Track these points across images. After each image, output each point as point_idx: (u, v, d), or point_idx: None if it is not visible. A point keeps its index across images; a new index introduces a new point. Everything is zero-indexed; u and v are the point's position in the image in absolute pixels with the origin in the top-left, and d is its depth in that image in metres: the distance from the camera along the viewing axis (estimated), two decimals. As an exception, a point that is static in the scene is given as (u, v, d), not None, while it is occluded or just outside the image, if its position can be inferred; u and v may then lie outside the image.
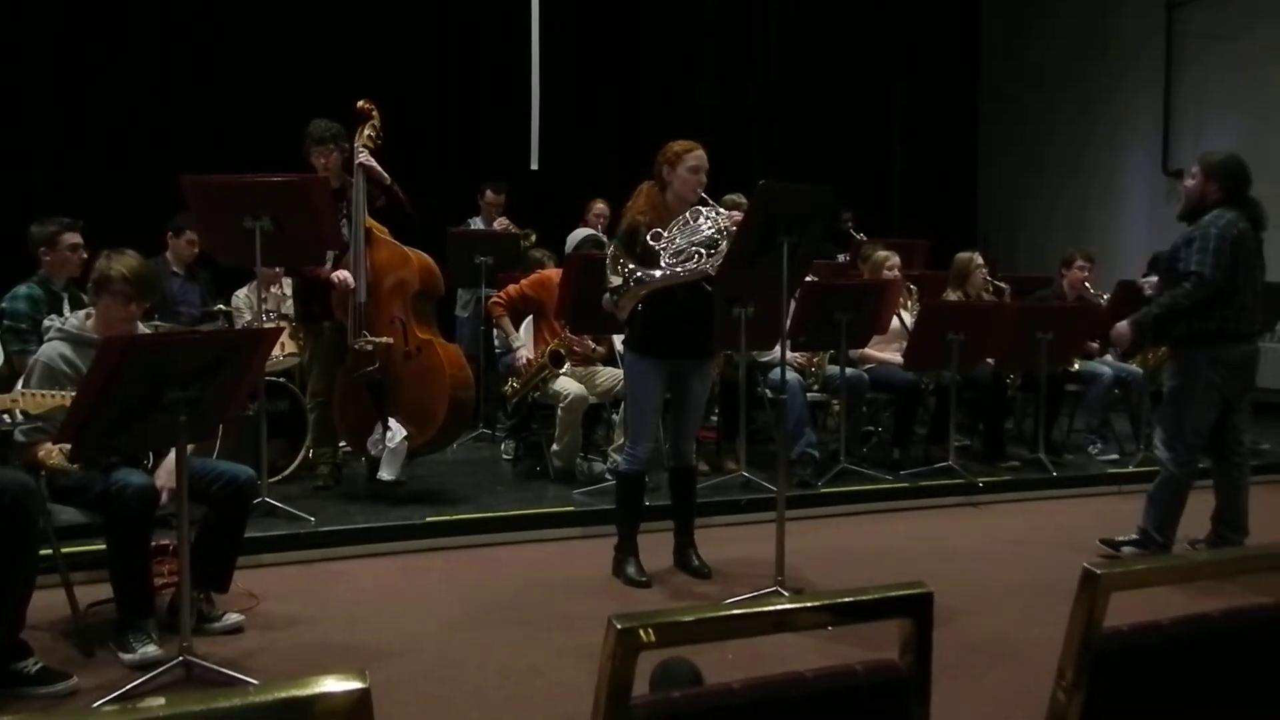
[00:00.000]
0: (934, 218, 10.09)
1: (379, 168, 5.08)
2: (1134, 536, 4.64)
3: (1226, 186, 4.39)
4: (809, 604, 1.27)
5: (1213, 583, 1.56)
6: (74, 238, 4.77)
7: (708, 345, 4.35)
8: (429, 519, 4.81)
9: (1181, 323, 4.39)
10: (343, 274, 5.09)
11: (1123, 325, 4.72)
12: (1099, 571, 1.32)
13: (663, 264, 3.97)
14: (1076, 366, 6.62)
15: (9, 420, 3.27)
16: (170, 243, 6.00)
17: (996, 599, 4.16)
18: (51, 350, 3.44)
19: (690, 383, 4.29)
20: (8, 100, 7.55)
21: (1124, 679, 1.37)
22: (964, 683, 3.25)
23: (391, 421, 5.08)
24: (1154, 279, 5.55)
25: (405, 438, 5.07)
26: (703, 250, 3.96)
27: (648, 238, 4.01)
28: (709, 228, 3.99)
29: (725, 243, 3.94)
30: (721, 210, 4.07)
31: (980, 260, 6.78)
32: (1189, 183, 4.54)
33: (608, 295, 4.09)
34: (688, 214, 4.06)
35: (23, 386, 3.34)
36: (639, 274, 3.98)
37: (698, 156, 4.11)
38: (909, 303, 6.52)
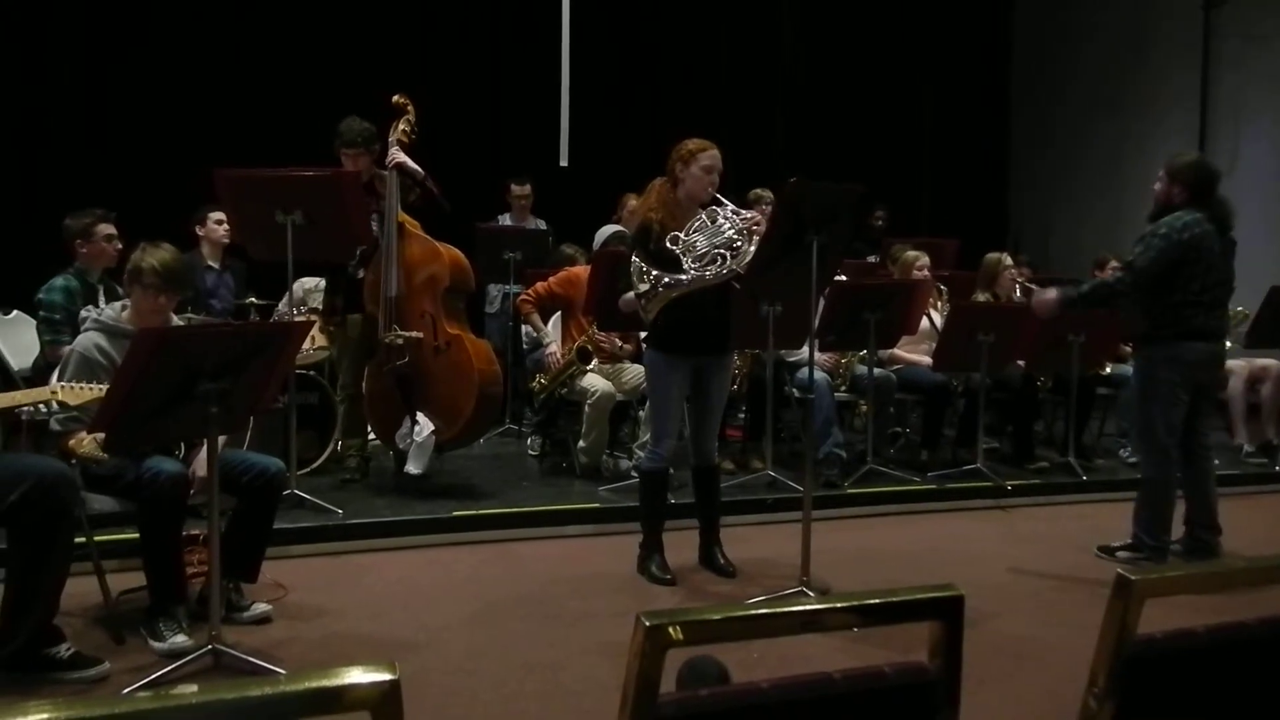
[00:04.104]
0: (964, 218, 9.99)
1: (412, 163, 5.10)
2: (1128, 542, 4.64)
3: (1191, 188, 4.43)
4: (839, 604, 1.26)
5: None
6: (109, 229, 4.82)
7: (727, 341, 4.34)
8: (455, 513, 4.84)
9: (1118, 312, 4.51)
10: None
11: (1050, 294, 4.72)
12: (1133, 577, 1.30)
13: (686, 267, 3.96)
14: (1108, 369, 6.55)
15: (45, 410, 3.32)
16: (200, 232, 5.99)
17: (1024, 602, 4.13)
18: (87, 341, 3.48)
19: (711, 380, 4.27)
20: (41, 95, 7.64)
21: (1157, 687, 1.35)
22: (991, 686, 3.23)
23: (419, 415, 5.11)
24: None
25: (433, 432, 5.09)
26: (725, 253, 3.93)
27: (666, 241, 3.99)
28: (729, 228, 3.97)
29: (745, 243, 3.92)
30: (738, 210, 4.04)
31: (1009, 261, 6.72)
32: (1156, 186, 4.60)
33: (631, 295, 4.09)
34: (705, 215, 4.02)
35: (58, 377, 3.38)
36: (666, 279, 3.96)
37: (711, 156, 4.08)
38: (939, 303, 6.47)
